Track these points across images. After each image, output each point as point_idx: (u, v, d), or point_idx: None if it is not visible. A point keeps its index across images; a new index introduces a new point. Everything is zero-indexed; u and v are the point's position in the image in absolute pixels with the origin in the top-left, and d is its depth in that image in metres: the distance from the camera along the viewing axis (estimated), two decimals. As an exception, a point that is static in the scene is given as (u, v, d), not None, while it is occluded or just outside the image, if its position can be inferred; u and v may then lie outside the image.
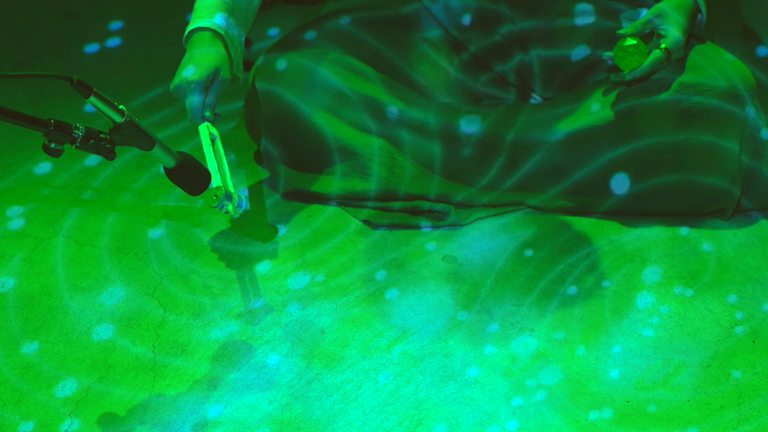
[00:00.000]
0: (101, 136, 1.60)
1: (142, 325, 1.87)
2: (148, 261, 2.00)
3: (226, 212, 1.82)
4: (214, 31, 1.95)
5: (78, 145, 1.57)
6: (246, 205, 1.84)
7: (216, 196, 1.79)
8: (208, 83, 1.92)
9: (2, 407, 1.72)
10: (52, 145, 1.54)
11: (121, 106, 1.60)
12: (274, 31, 2.60)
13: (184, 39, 1.98)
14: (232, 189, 1.84)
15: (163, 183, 2.03)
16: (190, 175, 1.78)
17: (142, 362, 1.79)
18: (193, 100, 1.91)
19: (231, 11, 1.99)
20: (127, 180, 2.21)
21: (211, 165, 1.85)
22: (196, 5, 2.00)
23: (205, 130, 1.90)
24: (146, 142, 1.66)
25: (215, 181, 1.82)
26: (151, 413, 1.70)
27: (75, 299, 1.92)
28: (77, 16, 2.79)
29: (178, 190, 1.94)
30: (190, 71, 1.91)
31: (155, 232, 1.95)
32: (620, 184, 2.02)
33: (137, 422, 1.68)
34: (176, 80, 1.92)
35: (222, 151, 1.90)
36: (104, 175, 2.22)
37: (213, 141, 1.90)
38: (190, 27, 1.97)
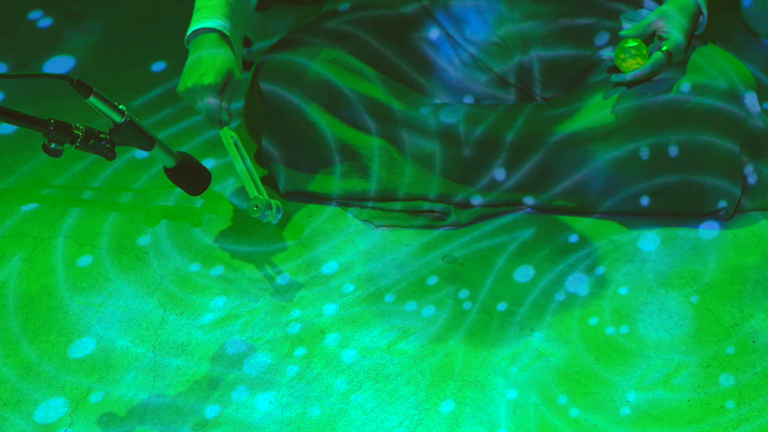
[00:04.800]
0: (101, 136, 1.60)
1: (142, 325, 1.87)
2: (148, 261, 2.00)
3: (267, 221, 1.85)
4: (220, 32, 1.94)
5: (78, 145, 1.57)
6: (282, 210, 1.87)
7: (257, 206, 1.82)
8: (223, 86, 1.91)
9: (2, 407, 1.72)
10: (52, 145, 1.54)
11: (121, 106, 1.60)
12: (274, 32, 2.60)
13: (186, 39, 1.96)
14: (265, 195, 1.85)
15: (163, 183, 2.03)
16: (190, 175, 1.78)
17: (142, 362, 1.79)
18: (211, 103, 1.90)
19: (233, 11, 1.98)
20: (127, 180, 2.21)
21: (242, 172, 1.86)
22: (198, 4, 1.98)
23: (227, 134, 1.90)
24: (146, 142, 1.66)
25: (251, 191, 1.84)
26: (151, 413, 1.70)
27: (75, 299, 1.92)
28: (77, 16, 2.79)
29: (178, 190, 1.94)
30: (204, 75, 1.89)
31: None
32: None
33: (137, 422, 1.68)
34: (189, 83, 1.90)
35: (246, 154, 1.91)
36: (104, 175, 2.22)
37: (235, 144, 1.90)
38: (193, 27, 1.95)
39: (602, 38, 2.12)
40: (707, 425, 1.64)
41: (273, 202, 1.84)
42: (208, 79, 1.88)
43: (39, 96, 2.47)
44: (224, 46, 1.93)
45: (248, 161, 1.90)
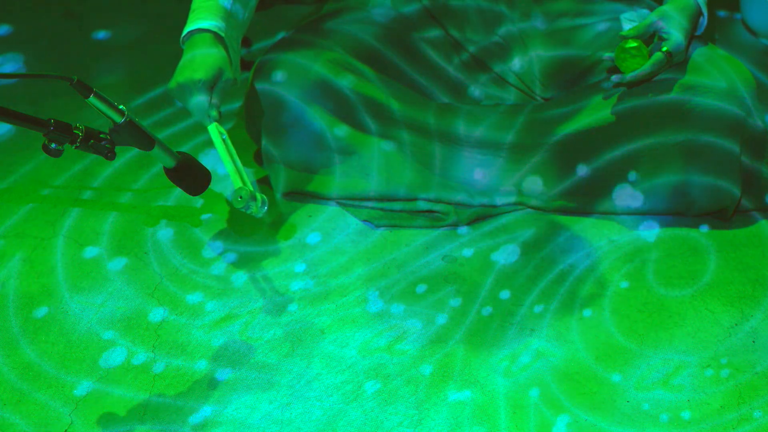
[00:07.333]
0: (101, 136, 1.60)
1: (142, 325, 1.87)
2: (148, 261, 2.00)
3: (251, 213, 1.83)
4: (215, 32, 1.95)
5: (78, 145, 1.57)
6: (267, 204, 1.85)
7: (241, 197, 1.80)
8: (213, 83, 1.92)
9: (2, 407, 1.72)
10: (52, 145, 1.54)
11: (121, 106, 1.60)
12: (274, 31, 2.60)
13: (182, 39, 1.97)
14: (251, 187, 1.84)
15: (163, 183, 2.03)
16: (190, 175, 1.78)
17: (143, 362, 1.79)
18: (200, 99, 1.90)
19: (229, 12, 1.99)
20: (127, 180, 2.21)
21: (228, 165, 1.86)
22: (194, 5, 1.99)
23: (215, 129, 1.90)
24: (146, 142, 1.66)
25: (236, 182, 1.83)
26: (151, 413, 1.70)
27: (75, 299, 1.92)
28: (77, 16, 2.79)
29: (178, 190, 1.94)
30: (195, 71, 1.90)
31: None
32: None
33: (137, 422, 1.68)
34: (180, 79, 1.91)
35: (233, 149, 1.91)
36: (104, 175, 2.22)
37: (223, 140, 1.90)
38: (189, 27, 1.96)
39: (602, 38, 2.12)
40: (707, 425, 1.64)
41: (259, 195, 1.84)
42: (199, 74, 1.89)
43: (39, 96, 2.47)
44: (217, 46, 1.94)
45: (236, 157, 1.90)
